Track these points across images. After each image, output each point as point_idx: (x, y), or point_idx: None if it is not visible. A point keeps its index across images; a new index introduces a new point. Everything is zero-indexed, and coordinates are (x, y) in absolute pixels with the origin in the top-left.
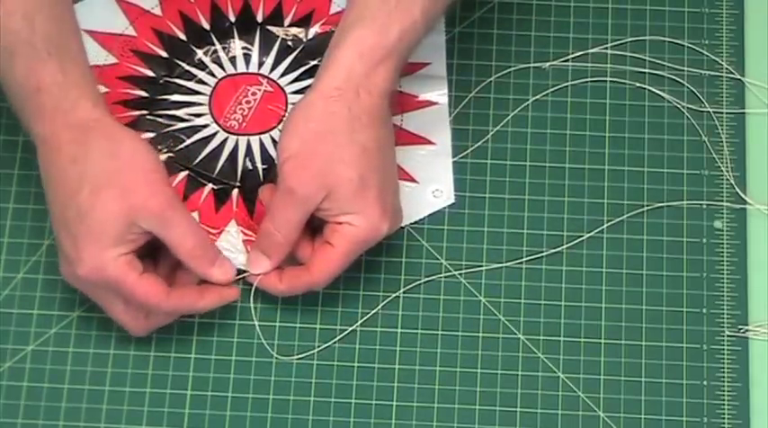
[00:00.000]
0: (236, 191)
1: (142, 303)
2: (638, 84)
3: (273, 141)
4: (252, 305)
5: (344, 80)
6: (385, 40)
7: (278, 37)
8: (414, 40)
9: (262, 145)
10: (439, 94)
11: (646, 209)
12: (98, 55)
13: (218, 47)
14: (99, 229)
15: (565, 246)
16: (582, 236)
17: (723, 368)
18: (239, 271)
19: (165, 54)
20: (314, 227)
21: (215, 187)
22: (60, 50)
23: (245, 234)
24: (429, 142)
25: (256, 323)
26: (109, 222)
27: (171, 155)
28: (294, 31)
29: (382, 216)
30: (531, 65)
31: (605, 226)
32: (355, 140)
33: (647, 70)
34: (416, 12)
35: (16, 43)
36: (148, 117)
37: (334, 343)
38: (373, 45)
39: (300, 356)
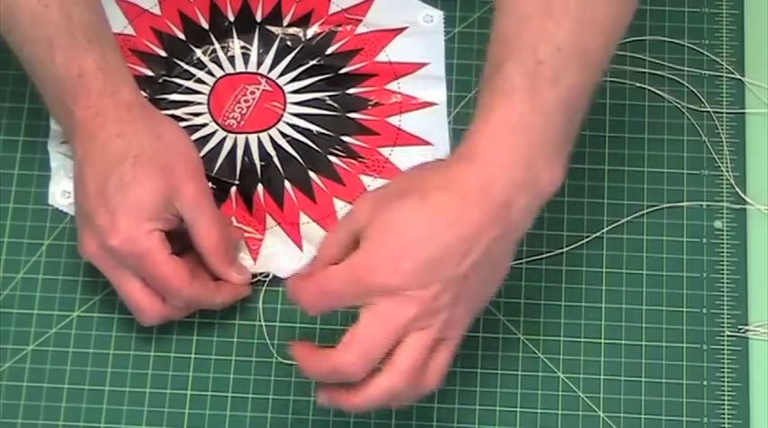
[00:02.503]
0: (234, 189)
1: (165, 284)
2: (638, 84)
3: (271, 139)
4: (260, 305)
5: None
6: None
7: (277, 36)
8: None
9: (260, 143)
10: (437, 95)
11: (646, 211)
12: None
13: (217, 46)
14: (138, 200)
15: (566, 249)
16: (582, 238)
17: (723, 368)
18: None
19: (163, 53)
20: None
21: (214, 186)
22: (100, 38)
23: (246, 231)
24: (427, 143)
25: (262, 324)
26: (149, 195)
27: None
28: (293, 30)
29: None
30: None
31: (605, 229)
32: None
33: (647, 70)
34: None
35: (55, 33)
36: None
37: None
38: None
39: None
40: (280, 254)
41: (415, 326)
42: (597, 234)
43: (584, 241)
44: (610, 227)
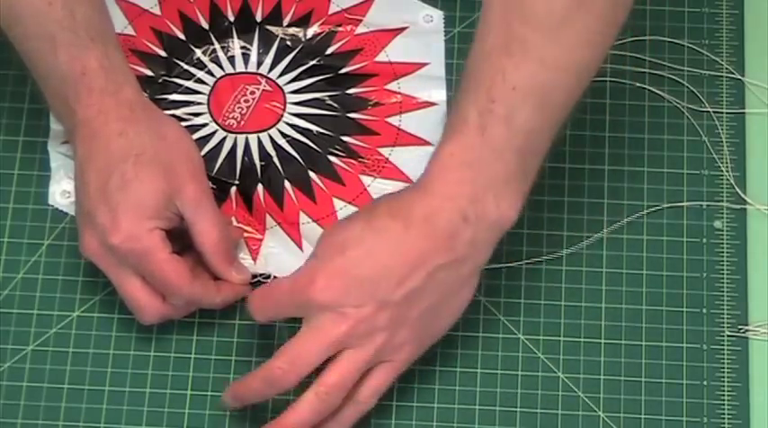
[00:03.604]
0: (234, 189)
1: (165, 282)
2: (638, 84)
3: (271, 139)
4: None
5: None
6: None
7: (277, 36)
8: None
9: (260, 143)
10: (438, 95)
11: (646, 211)
12: None
13: (217, 46)
14: (140, 199)
15: (565, 251)
16: (583, 238)
17: (723, 368)
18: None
19: (163, 53)
20: None
21: (214, 186)
22: (103, 37)
23: (246, 231)
24: (427, 143)
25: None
26: (150, 193)
27: None
28: (293, 30)
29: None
30: None
31: (605, 229)
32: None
33: (647, 70)
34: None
35: (58, 31)
36: None
37: None
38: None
39: None
40: (280, 254)
41: (348, 344)
42: (597, 234)
43: (585, 241)
44: (610, 228)
